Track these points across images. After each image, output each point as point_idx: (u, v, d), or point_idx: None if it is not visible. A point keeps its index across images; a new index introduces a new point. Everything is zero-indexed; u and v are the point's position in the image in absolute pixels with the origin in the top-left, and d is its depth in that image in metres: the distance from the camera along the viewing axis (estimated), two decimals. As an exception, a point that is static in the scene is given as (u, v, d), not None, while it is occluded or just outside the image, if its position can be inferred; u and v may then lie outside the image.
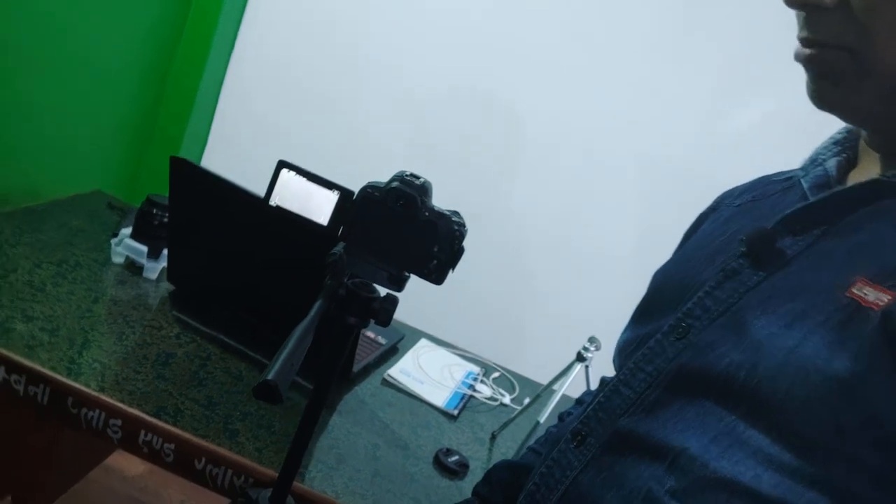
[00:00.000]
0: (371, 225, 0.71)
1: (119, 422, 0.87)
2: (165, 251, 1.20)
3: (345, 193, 0.71)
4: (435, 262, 0.72)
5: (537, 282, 1.88)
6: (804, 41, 0.55)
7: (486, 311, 1.86)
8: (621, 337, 0.72)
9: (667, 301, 0.64)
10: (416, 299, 1.24)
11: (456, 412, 1.15)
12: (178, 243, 1.13)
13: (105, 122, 1.65)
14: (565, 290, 1.85)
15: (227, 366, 1.03)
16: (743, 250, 0.60)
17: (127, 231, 1.21)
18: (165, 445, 0.87)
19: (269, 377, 0.57)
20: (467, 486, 0.98)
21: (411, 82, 1.84)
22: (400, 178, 0.71)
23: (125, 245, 1.19)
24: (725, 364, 0.53)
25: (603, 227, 1.86)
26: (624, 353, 0.68)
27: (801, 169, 0.67)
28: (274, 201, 0.71)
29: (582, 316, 1.72)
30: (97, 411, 0.87)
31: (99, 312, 1.04)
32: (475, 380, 1.28)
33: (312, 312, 0.67)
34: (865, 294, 0.50)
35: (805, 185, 0.63)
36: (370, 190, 0.71)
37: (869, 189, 0.56)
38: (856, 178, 0.61)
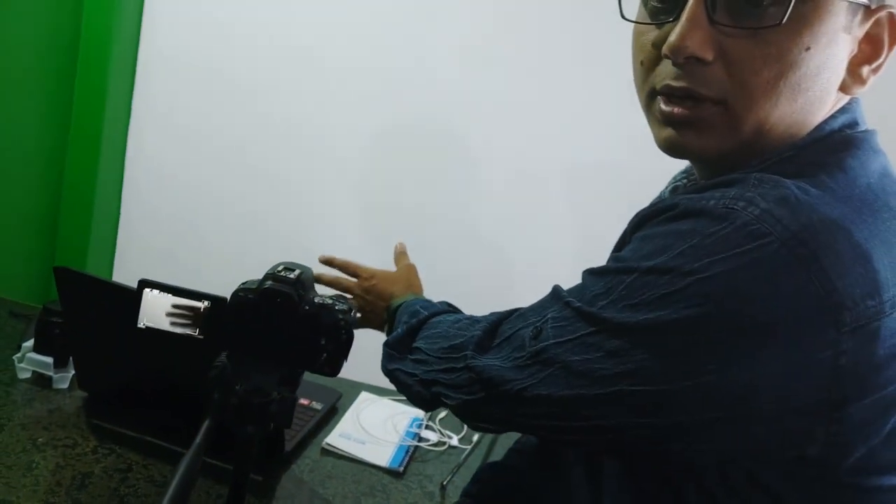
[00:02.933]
0: (250, 328, 0.68)
1: (35, 564, 0.82)
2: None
3: (215, 302, 0.68)
4: (325, 354, 0.69)
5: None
6: (680, 91, 0.56)
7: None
8: None
9: None
10: (353, 350, 1.21)
11: (401, 469, 1.12)
12: (82, 350, 1.08)
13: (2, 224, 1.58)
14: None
15: (150, 473, 0.98)
16: None
17: (30, 344, 1.15)
18: (89, 579, 0.83)
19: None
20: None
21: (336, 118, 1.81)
22: (272, 275, 0.68)
23: (29, 360, 1.13)
24: None
25: (541, 248, 1.85)
26: None
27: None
28: (142, 323, 0.67)
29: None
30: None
31: (5, 442, 0.98)
32: (420, 426, 1.25)
33: (199, 437, 0.64)
34: None
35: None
36: (242, 293, 0.67)
37: (639, 217, 0.61)
38: None
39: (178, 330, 0.68)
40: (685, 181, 0.74)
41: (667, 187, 0.76)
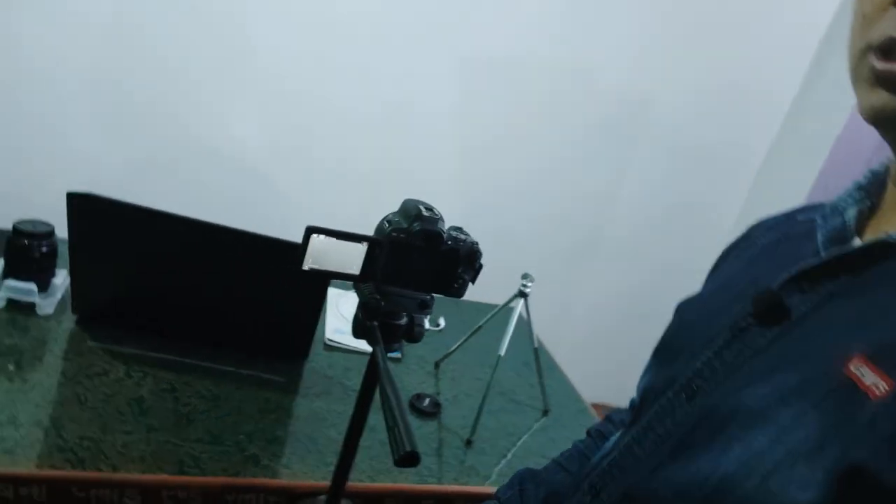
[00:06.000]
0: (398, 262, 0.76)
1: (137, 490, 0.85)
2: (57, 281, 1.07)
3: (372, 242, 0.74)
4: (460, 281, 0.80)
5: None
6: None
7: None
8: (644, 377, 0.70)
9: (686, 344, 0.63)
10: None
11: (399, 355, 1.27)
12: (86, 274, 1.02)
13: None
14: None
15: (196, 390, 1.01)
16: (750, 310, 0.57)
17: (-2, 270, 1.04)
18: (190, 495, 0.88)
19: (411, 448, 0.64)
20: (447, 420, 1.13)
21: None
22: (418, 215, 0.75)
23: (7, 287, 1.03)
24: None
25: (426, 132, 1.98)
26: (646, 398, 0.66)
27: (821, 215, 0.61)
28: (307, 265, 0.72)
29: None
30: (109, 489, 0.84)
31: (37, 379, 0.94)
32: (396, 315, 1.38)
33: (382, 362, 0.73)
34: (863, 375, 0.46)
35: (819, 238, 0.58)
36: (395, 234, 0.74)
37: (877, 249, 0.52)
38: (874, 226, 0.57)
39: (339, 269, 0.73)
40: (870, 180, 0.60)
41: (840, 202, 0.61)
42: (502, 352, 1.11)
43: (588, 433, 0.87)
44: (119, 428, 0.90)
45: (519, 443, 1.13)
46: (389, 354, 1.21)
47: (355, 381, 1.16)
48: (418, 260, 0.77)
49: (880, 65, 0.47)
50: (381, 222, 0.77)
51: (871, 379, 0.45)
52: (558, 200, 2.32)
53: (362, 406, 0.84)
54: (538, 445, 1.14)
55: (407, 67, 1.96)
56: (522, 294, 1.13)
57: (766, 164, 2.49)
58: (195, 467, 0.87)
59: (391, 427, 0.67)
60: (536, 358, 1.21)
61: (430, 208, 0.77)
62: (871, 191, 0.60)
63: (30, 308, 1.05)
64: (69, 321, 1.07)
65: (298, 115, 1.95)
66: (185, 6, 1.71)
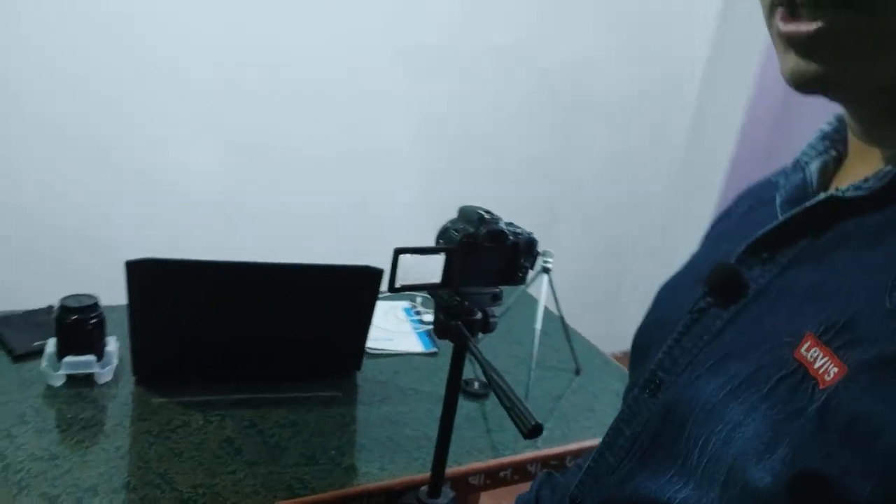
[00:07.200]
0: (470, 264, 0.84)
1: (256, 520, 0.91)
2: (109, 349, 1.10)
3: (449, 252, 0.82)
4: (523, 270, 0.89)
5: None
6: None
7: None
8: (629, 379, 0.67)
9: (655, 333, 0.60)
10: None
11: (436, 349, 1.35)
12: (148, 336, 1.05)
13: None
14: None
15: (275, 421, 1.07)
16: (706, 289, 0.53)
17: (52, 349, 1.06)
18: (303, 515, 0.94)
19: (536, 422, 0.73)
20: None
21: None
22: (481, 219, 0.84)
23: (68, 364, 1.05)
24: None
25: (383, 128, 2.06)
26: (623, 398, 0.64)
27: (783, 173, 0.56)
28: (399, 283, 0.79)
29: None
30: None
31: (129, 445, 0.97)
32: (418, 313, 1.46)
33: (479, 353, 0.81)
34: (813, 359, 0.40)
35: (779, 199, 0.53)
36: (466, 239, 0.83)
37: (828, 208, 0.46)
38: (841, 179, 0.51)
39: (424, 281, 0.81)
40: (835, 126, 0.54)
41: (803, 156, 0.55)
42: (538, 325, 1.22)
43: None
44: (222, 470, 0.95)
45: (563, 402, 1.24)
46: (427, 350, 1.30)
47: (406, 382, 1.24)
48: (486, 258, 0.85)
49: (784, 26, 0.43)
50: (447, 231, 0.85)
51: (821, 363, 0.40)
52: (519, 171, 2.46)
53: (451, 400, 0.92)
54: (581, 401, 1.25)
55: (350, 62, 2.03)
56: (546, 270, 1.23)
57: (698, 102, 2.70)
58: (305, 488, 0.94)
59: (509, 408, 0.75)
60: (564, 325, 1.32)
61: (487, 211, 0.85)
62: (837, 139, 0.53)
63: (86, 379, 1.08)
64: (129, 384, 1.10)
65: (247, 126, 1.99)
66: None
